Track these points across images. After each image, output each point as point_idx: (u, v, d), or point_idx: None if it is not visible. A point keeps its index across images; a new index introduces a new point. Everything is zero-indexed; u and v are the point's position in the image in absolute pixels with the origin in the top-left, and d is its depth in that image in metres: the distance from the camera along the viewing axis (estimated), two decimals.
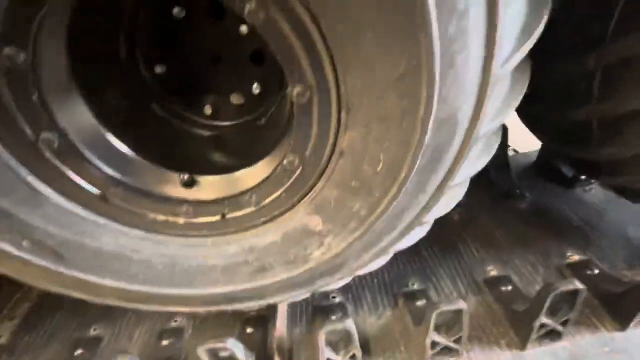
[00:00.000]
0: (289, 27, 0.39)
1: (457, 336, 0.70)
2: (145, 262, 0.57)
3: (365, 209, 0.52)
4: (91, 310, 1.01)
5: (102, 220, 0.54)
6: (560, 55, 0.63)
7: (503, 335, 0.79)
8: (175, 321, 0.95)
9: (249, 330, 0.87)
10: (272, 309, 0.89)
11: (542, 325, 0.70)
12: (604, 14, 0.54)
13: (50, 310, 1.04)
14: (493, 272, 0.95)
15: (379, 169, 0.48)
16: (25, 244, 0.50)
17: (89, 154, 0.50)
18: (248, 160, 0.59)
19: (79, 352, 0.90)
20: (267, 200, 0.56)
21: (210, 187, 0.60)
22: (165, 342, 0.90)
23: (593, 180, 1.15)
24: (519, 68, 0.45)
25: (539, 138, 0.94)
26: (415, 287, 0.94)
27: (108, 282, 0.56)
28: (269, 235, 0.58)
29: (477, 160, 0.55)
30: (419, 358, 0.77)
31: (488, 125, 0.48)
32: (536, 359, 0.74)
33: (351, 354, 0.71)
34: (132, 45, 0.64)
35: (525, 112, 0.87)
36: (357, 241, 0.56)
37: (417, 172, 0.48)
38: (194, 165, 0.62)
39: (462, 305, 0.64)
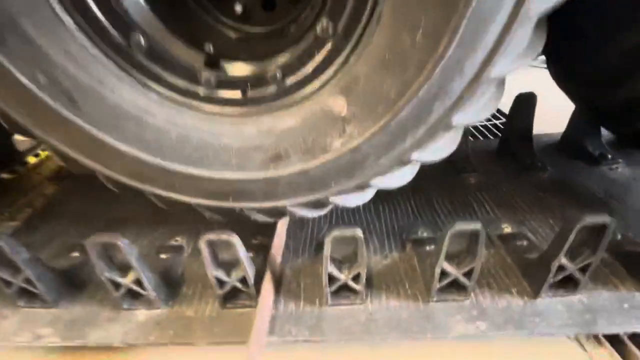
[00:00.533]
0: None
1: (469, 267, 0.67)
2: (159, 129, 0.55)
3: (394, 89, 0.49)
4: (91, 222, 1.00)
5: (122, 74, 0.52)
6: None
7: (515, 284, 0.75)
8: (176, 240, 0.94)
9: (250, 254, 0.85)
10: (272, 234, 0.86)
11: (560, 268, 0.66)
12: None
13: (51, 217, 1.03)
14: (507, 229, 0.91)
15: (417, 37, 0.45)
16: (41, 78, 0.48)
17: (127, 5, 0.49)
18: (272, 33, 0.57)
19: (75, 254, 0.89)
20: (292, 77, 0.54)
21: (232, 66, 0.58)
22: (163, 256, 0.88)
23: (620, 160, 1.10)
24: None
25: (570, 93, 0.90)
26: (425, 235, 0.91)
27: (120, 145, 0.55)
28: (288, 118, 0.56)
29: (516, 58, 0.52)
30: (424, 293, 0.74)
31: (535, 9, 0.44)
32: (548, 308, 0.70)
33: (355, 272, 0.68)
34: None
35: (559, 62, 0.84)
36: (380, 131, 0.53)
37: (456, 46, 0.45)
38: (217, 47, 0.60)
39: (478, 225, 0.60)
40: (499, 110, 1.79)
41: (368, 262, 0.82)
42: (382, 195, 0.76)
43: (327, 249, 0.64)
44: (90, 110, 0.52)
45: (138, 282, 0.71)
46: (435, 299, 0.72)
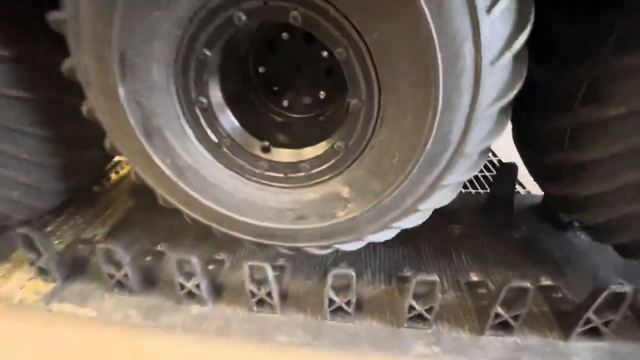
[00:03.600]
0: (358, 65, 0.67)
1: (429, 305, 0.93)
2: (229, 192, 0.86)
3: (379, 187, 0.78)
4: (160, 231, 1.34)
5: (211, 158, 0.84)
6: (542, 109, 0.85)
7: (469, 322, 1.00)
8: (219, 255, 1.25)
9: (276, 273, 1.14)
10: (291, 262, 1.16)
11: (497, 315, 0.91)
12: (575, 85, 0.76)
13: (129, 226, 1.38)
14: (474, 277, 1.15)
15: (394, 161, 0.74)
16: (168, 161, 0.81)
17: (217, 115, 0.81)
18: (306, 141, 0.87)
19: (149, 258, 1.22)
20: (316, 170, 0.84)
21: (279, 154, 0.89)
22: (210, 267, 1.20)
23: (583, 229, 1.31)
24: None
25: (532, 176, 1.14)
26: (408, 274, 1.17)
27: (204, 201, 0.87)
28: (311, 194, 0.86)
29: (465, 173, 0.79)
30: (399, 320, 1.00)
31: (472, 147, 0.72)
32: (489, 344, 0.95)
33: (348, 298, 0.96)
34: (247, 53, 0.95)
35: (521, 154, 1.09)
36: (370, 210, 0.82)
37: (418, 169, 0.73)
38: (270, 138, 0.91)
39: (435, 278, 0.87)
40: (492, 163, 2.02)
41: (360, 290, 1.09)
42: None
43: (329, 281, 0.93)
44: (191, 179, 0.84)
45: (197, 286, 1.02)
46: (405, 325, 0.99)
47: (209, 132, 0.81)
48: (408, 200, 0.80)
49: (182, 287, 1.03)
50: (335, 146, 0.80)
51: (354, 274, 0.91)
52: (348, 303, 0.97)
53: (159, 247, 1.27)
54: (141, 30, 0.64)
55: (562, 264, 1.19)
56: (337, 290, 0.98)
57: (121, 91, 0.70)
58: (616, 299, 0.86)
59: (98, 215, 1.42)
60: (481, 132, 0.70)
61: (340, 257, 1.25)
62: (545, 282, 1.12)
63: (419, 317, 0.97)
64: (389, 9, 0.56)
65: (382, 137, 0.74)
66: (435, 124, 0.65)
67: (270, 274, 0.94)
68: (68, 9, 0.64)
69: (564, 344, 0.94)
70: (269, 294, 1.00)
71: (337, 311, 1.01)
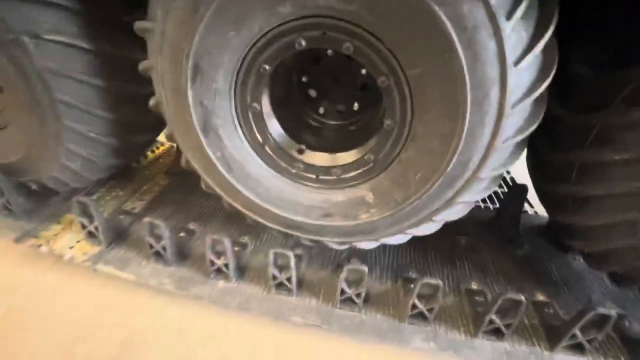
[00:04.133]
0: (397, 92, 0.77)
1: (431, 306, 1.04)
2: (267, 186, 0.98)
3: (401, 197, 0.89)
4: (191, 211, 1.48)
5: (256, 156, 0.96)
6: (555, 143, 0.94)
7: (464, 325, 1.11)
8: (243, 238, 1.38)
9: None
10: (308, 252, 1.28)
11: (491, 322, 1.02)
12: (588, 127, 0.85)
13: (165, 203, 1.52)
14: (474, 286, 1.26)
15: (417, 177, 0.84)
16: (219, 154, 0.93)
17: (265, 119, 0.92)
18: (338, 147, 0.98)
19: (182, 234, 1.36)
20: (345, 175, 0.95)
21: (314, 157, 1.00)
22: (236, 248, 1.33)
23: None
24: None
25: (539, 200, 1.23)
26: (413, 275, 1.28)
27: (245, 192, 0.99)
28: (339, 196, 0.97)
29: (478, 194, 0.89)
30: (401, 316, 1.12)
31: (488, 173, 0.82)
32: (481, 345, 1.05)
33: (359, 291, 1.08)
34: (295, 65, 1.05)
35: (532, 179, 1.18)
36: (389, 216, 0.93)
37: (438, 186, 0.83)
38: (306, 142, 1.02)
39: (439, 282, 0.98)
40: (505, 180, 2.08)
41: (368, 286, 1.21)
42: None
43: (343, 274, 1.04)
44: (237, 172, 0.96)
45: (226, 265, 1.15)
46: (407, 321, 1.10)
47: (256, 133, 0.92)
48: (425, 211, 0.90)
49: (213, 263, 1.16)
50: (365, 157, 0.90)
51: (366, 270, 1.02)
52: (358, 295, 1.09)
53: (190, 225, 1.41)
54: (216, 45, 0.75)
55: (558, 283, 1.28)
56: (350, 282, 1.09)
57: (190, 93, 0.81)
58: (601, 320, 0.96)
59: (136, 190, 1.56)
60: (497, 161, 0.80)
61: (353, 253, 1.36)
62: (540, 297, 1.22)
63: (420, 315, 1.08)
64: (431, 52, 0.66)
65: (410, 154, 0.84)
66: (458, 150, 0.75)
67: (293, 261, 1.07)
68: (155, 21, 0.76)
69: (548, 355, 1.04)
70: (289, 279, 1.12)
71: (347, 301, 1.12)
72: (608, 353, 1.04)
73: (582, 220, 0.94)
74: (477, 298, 1.21)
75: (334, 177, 0.96)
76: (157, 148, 1.85)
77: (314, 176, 0.98)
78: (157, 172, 1.69)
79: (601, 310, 0.92)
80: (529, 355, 1.04)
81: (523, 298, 0.95)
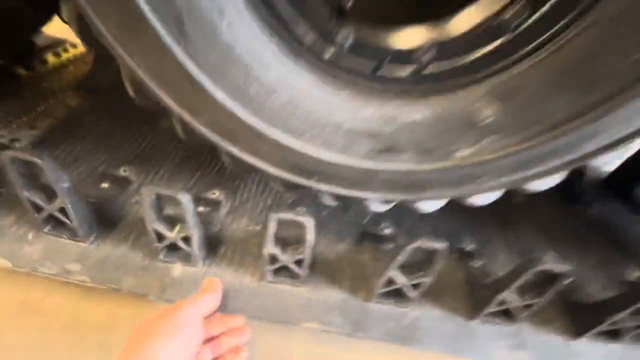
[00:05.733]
0: None
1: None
2: (271, 89, 0.46)
3: (562, 113, 0.42)
4: (123, 151, 0.91)
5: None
6: None
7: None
8: (214, 193, 0.87)
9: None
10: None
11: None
12: None
13: (75, 134, 0.92)
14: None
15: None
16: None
17: None
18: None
19: (105, 184, 0.81)
20: (440, 64, 0.45)
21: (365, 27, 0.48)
22: (201, 209, 0.82)
23: None
24: None
25: None
26: (469, 247, 0.88)
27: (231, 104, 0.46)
28: (418, 110, 0.48)
29: None
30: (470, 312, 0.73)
31: None
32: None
33: (417, 280, 0.65)
34: None
35: None
36: (516, 154, 0.47)
37: None
38: None
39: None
40: None
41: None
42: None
43: (398, 260, 0.60)
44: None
45: (185, 238, 0.65)
46: (480, 320, 0.71)
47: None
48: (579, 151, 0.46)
49: (161, 237, 0.65)
50: (496, 22, 0.41)
51: (444, 247, 0.58)
52: (416, 286, 0.66)
53: (121, 171, 0.85)
54: None
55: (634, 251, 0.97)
56: (406, 269, 0.65)
57: None
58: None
59: (24, 112, 0.93)
60: None
61: (378, 217, 0.92)
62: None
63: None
64: None
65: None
66: None
67: (312, 232, 0.59)
68: None
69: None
70: (298, 262, 0.66)
71: (392, 293, 0.70)
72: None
73: None
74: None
75: (412, 69, 0.47)
76: (65, 50, 1.17)
77: (368, 68, 0.47)
78: (63, 87, 1.05)
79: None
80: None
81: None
